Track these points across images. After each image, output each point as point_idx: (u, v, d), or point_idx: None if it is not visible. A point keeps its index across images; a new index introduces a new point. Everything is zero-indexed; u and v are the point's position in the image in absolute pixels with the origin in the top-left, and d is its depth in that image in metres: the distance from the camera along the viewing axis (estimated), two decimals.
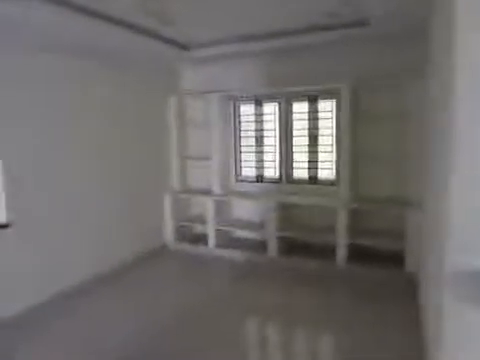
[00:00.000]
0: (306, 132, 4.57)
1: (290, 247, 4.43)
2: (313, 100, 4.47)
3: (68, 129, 3.55)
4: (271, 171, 4.85)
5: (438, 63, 2.68)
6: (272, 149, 4.79)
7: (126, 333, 2.93)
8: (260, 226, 4.64)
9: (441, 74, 2.30)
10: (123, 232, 4.24)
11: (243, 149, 4.98)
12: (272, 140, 4.78)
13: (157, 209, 4.84)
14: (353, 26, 3.45)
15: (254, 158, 4.93)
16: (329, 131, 4.46)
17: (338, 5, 3.14)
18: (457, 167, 1.68)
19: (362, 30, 3.52)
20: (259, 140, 4.87)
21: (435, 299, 2.21)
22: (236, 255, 4.53)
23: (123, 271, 4.13)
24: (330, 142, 4.46)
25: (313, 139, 4.55)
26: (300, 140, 4.64)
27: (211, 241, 4.67)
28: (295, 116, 4.62)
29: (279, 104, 4.65)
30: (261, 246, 4.55)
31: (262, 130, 4.83)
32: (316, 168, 4.58)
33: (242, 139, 4.96)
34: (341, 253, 3.99)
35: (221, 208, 4.76)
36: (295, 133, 4.65)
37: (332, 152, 4.45)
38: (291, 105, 4.61)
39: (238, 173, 5.02)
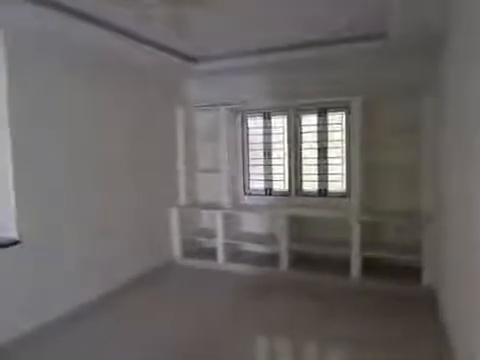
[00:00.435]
0: (315, 144, 4.55)
1: (301, 260, 4.36)
2: (322, 112, 4.47)
3: (68, 140, 3.41)
4: (280, 184, 4.80)
5: (456, 76, 2.68)
6: (281, 162, 4.75)
7: (137, 354, 2.81)
8: (270, 239, 4.56)
9: (462, 85, 2.29)
10: (130, 248, 4.12)
11: (251, 162, 4.94)
12: (281, 153, 4.74)
13: (164, 223, 4.74)
14: (368, 39, 3.46)
15: (263, 171, 4.88)
16: (338, 143, 4.45)
17: (354, 20, 3.17)
18: None
19: (375, 44, 3.53)
20: (268, 153, 4.83)
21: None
22: (246, 269, 4.44)
23: (130, 289, 3.98)
24: (340, 154, 4.44)
25: (322, 151, 4.52)
26: (309, 153, 4.62)
27: (220, 255, 4.58)
28: (304, 129, 4.60)
29: (288, 117, 4.64)
30: (271, 260, 4.46)
31: (270, 143, 4.81)
32: (326, 181, 4.55)
33: (250, 152, 4.93)
34: (355, 266, 3.92)
35: (230, 221, 4.68)
36: (304, 146, 4.62)
37: (342, 164, 4.43)
38: (300, 118, 4.60)
39: (247, 186, 4.96)
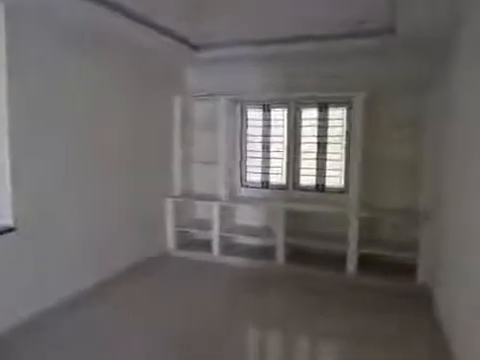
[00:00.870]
0: (315, 139, 4.53)
1: (297, 255, 4.36)
2: (323, 107, 4.43)
3: (65, 128, 3.27)
4: (277, 177, 4.77)
5: (465, 74, 2.67)
6: (279, 155, 4.72)
7: (133, 347, 2.77)
8: (265, 233, 4.54)
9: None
10: (124, 236, 4.04)
11: (249, 154, 4.88)
12: (279, 146, 4.70)
13: (159, 214, 4.67)
14: (375, 35, 3.43)
15: (260, 164, 4.84)
16: (338, 139, 4.43)
17: (363, 15, 3.13)
18: None
19: (382, 40, 3.50)
20: (266, 145, 4.78)
21: None
22: (241, 262, 4.41)
23: (124, 278, 3.92)
24: (339, 150, 4.43)
25: (322, 146, 4.50)
26: (308, 147, 4.59)
27: (215, 247, 4.54)
28: (304, 122, 4.57)
29: (288, 110, 4.59)
30: (266, 253, 4.45)
31: (269, 136, 4.76)
32: (324, 176, 4.53)
33: (249, 144, 4.87)
34: (351, 262, 3.94)
35: (225, 213, 4.63)
36: (303, 140, 4.59)
37: (341, 160, 4.42)
38: (300, 111, 4.55)
39: (243, 178, 4.91)
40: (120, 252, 3.99)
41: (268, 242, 4.54)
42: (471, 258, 2.31)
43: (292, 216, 4.30)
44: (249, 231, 4.69)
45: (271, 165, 4.79)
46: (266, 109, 4.73)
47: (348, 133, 4.28)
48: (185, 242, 4.88)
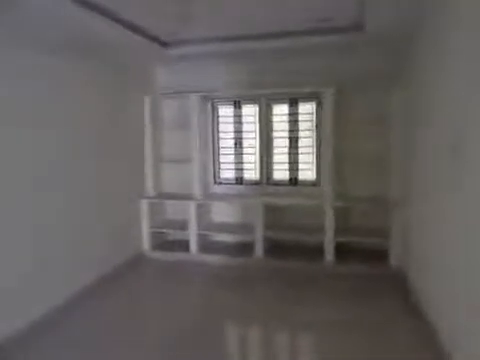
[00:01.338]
0: (286, 134, 4.61)
1: (275, 248, 4.43)
2: (293, 102, 4.52)
3: (29, 128, 3.05)
4: (251, 173, 4.81)
5: (431, 66, 2.84)
6: (252, 151, 4.75)
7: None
8: (243, 229, 4.57)
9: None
10: (94, 242, 3.85)
11: (222, 151, 4.88)
12: (252, 142, 4.74)
13: (133, 215, 4.54)
14: (343, 32, 3.54)
15: (233, 160, 4.85)
16: (309, 133, 4.55)
17: (331, 11, 3.22)
18: None
19: (350, 36, 3.62)
20: (238, 142, 4.80)
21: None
22: (219, 259, 4.41)
23: (99, 286, 3.76)
24: (310, 144, 4.55)
25: (293, 141, 4.59)
26: (280, 142, 4.67)
27: (193, 246, 4.50)
28: (275, 118, 4.64)
29: (259, 106, 4.63)
30: (243, 249, 4.49)
31: (241, 132, 4.78)
32: (296, 169, 4.63)
33: (221, 141, 4.86)
34: (328, 252, 4.07)
35: (201, 211, 4.60)
36: (275, 135, 4.66)
37: (312, 154, 4.54)
38: (271, 107, 4.62)
39: (217, 175, 4.90)
40: (90, 259, 3.77)
41: (246, 238, 4.57)
42: (436, 246, 2.49)
43: (269, 210, 4.36)
44: (226, 228, 4.69)
45: (244, 161, 4.82)
46: (237, 106, 4.74)
47: (318, 127, 4.41)
48: (159, 243, 4.79)
